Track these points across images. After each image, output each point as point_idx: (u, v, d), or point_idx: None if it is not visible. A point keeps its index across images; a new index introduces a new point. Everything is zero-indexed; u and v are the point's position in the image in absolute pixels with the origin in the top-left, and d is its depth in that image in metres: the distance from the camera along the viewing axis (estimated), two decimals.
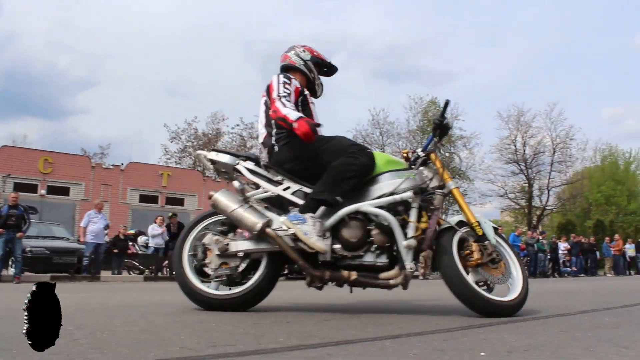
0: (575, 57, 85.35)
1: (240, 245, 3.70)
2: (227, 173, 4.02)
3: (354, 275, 3.66)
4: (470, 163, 41.85)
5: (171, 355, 2.01)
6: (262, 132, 4.12)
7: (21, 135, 64.67)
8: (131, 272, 17.49)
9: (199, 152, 4.26)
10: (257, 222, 3.58)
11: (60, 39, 74.71)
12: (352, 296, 4.62)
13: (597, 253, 27.41)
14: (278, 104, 3.77)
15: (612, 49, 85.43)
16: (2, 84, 70.23)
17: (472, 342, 2.44)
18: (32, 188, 28.01)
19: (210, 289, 3.69)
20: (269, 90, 4.02)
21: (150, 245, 16.72)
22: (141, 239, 19.33)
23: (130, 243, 18.31)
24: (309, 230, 3.51)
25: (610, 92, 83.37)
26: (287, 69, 4.35)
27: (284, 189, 3.82)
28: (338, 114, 77.12)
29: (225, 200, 3.71)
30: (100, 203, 15.71)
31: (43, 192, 28.38)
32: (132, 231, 20.82)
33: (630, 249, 29.11)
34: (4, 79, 69.84)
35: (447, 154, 40.54)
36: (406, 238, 3.71)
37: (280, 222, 3.62)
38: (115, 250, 16.29)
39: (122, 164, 31.71)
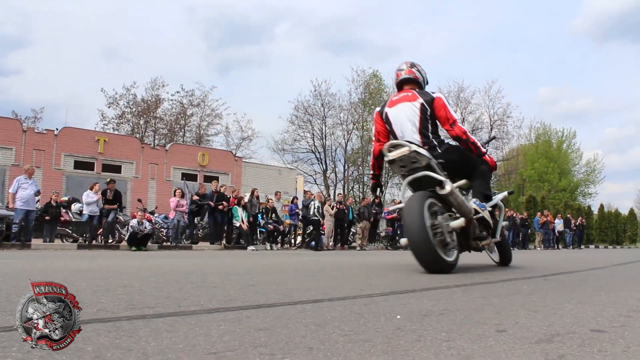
0: (515, 37, 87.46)
1: (458, 224, 4.80)
2: (415, 164, 4.90)
3: (479, 244, 5.29)
4: None
5: (86, 317, 1.97)
6: (414, 130, 5.08)
7: None
8: (64, 240, 17.00)
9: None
10: (472, 208, 4.99)
11: None
12: (286, 264, 4.63)
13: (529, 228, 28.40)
14: (464, 127, 5.27)
15: (550, 31, 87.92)
16: None
17: (391, 306, 2.50)
18: None
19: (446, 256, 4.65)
20: (435, 104, 5.08)
21: (84, 212, 16.30)
22: (75, 206, 18.82)
23: (64, 210, 17.77)
24: (488, 215, 5.22)
25: (547, 73, 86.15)
26: (408, 82, 5.41)
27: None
28: (279, 84, 76.72)
29: (456, 190, 4.79)
30: (30, 168, 15.12)
31: None
32: (65, 198, 20.24)
33: (559, 224, 30.37)
34: None
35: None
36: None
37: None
38: (47, 218, 15.78)
39: (56, 129, 30.56)
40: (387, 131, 5.35)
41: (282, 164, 42.18)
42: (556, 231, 29.90)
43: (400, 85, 5.44)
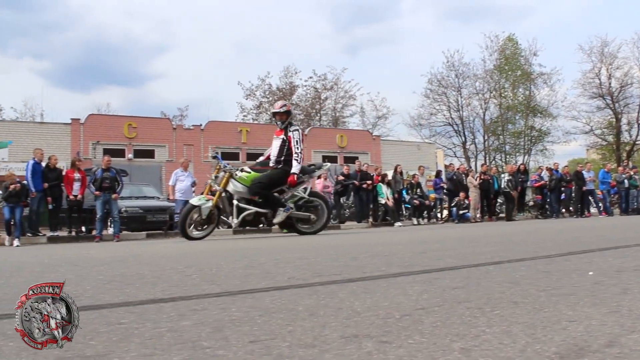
0: None
1: None
2: None
3: None
4: (552, 100, 40.37)
5: (281, 284, 2.10)
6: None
7: (104, 103, 66.95)
8: (219, 227, 17.95)
9: None
10: None
11: (132, 6, 76.56)
12: (442, 235, 4.60)
13: None
14: None
15: None
16: (81, 55, 72.72)
17: (576, 264, 2.41)
18: (120, 153, 29.08)
19: None
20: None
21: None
22: None
23: None
24: None
25: None
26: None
27: None
28: (411, 59, 75.64)
29: None
30: (185, 161, 16.09)
31: (130, 155, 29.48)
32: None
33: None
34: (83, 51, 72.19)
35: (527, 92, 39.47)
36: None
37: None
38: None
39: (202, 124, 32.37)
40: None
41: (419, 140, 41.67)
42: None
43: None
